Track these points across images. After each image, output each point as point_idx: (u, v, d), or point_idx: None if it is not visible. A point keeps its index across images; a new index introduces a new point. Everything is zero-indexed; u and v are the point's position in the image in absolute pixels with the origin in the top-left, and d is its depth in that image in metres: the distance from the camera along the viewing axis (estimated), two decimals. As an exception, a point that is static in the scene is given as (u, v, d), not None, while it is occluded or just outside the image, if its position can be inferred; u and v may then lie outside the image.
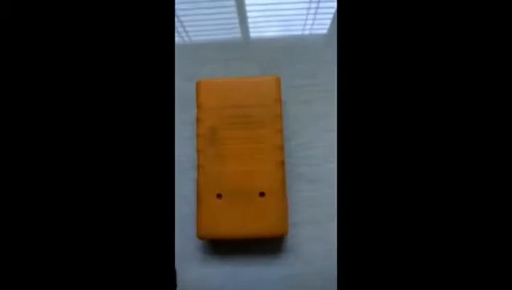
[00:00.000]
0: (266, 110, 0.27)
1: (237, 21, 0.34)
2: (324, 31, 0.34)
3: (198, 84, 0.28)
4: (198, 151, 0.27)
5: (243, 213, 0.26)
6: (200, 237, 0.26)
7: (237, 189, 0.26)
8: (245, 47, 0.33)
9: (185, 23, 0.35)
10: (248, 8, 0.35)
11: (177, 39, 0.34)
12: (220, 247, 0.29)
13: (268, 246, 0.29)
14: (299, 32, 0.34)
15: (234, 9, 0.35)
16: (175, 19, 0.34)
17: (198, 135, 0.27)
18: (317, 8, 0.34)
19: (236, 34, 0.34)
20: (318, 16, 0.34)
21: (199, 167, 0.27)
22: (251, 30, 0.34)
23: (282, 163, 0.27)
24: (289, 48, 0.33)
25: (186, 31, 0.34)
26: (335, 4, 0.34)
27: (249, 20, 0.34)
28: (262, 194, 0.26)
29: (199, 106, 0.28)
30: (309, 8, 0.34)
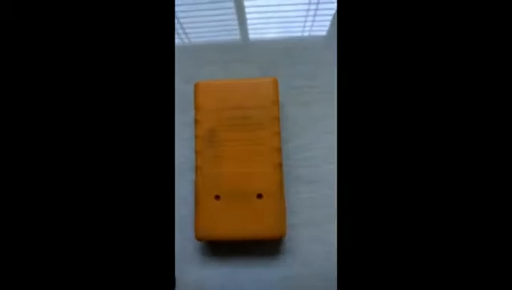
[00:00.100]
0: (263, 112, 0.27)
1: (236, 23, 0.34)
2: (324, 33, 0.34)
3: (196, 85, 0.28)
4: (196, 152, 0.27)
5: (241, 214, 0.26)
6: (199, 238, 0.27)
7: (235, 191, 0.26)
8: (245, 49, 0.33)
9: (185, 25, 0.35)
10: (247, 10, 0.35)
11: (177, 40, 0.34)
12: (219, 249, 0.29)
13: (266, 247, 0.29)
14: (299, 34, 0.34)
15: (233, 10, 0.35)
16: (176, 21, 0.35)
17: (196, 137, 0.27)
18: (316, 10, 0.34)
19: (235, 36, 0.34)
20: (317, 18, 0.34)
21: (197, 168, 0.27)
22: (250, 31, 0.34)
23: (280, 164, 0.27)
24: (288, 50, 0.33)
25: (185, 33, 0.35)
26: (334, 6, 0.34)
27: (249, 22, 0.34)
28: (259, 196, 0.26)
29: (197, 108, 0.28)
30: (308, 10, 0.34)
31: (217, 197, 0.26)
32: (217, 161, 0.27)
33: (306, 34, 0.34)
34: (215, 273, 0.28)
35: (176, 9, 0.35)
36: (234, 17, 0.35)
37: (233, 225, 0.26)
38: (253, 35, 0.34)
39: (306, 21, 0.34)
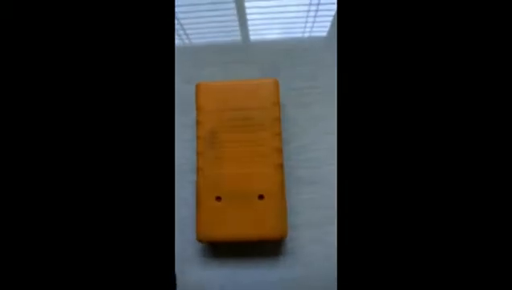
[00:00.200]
0: (264, 113, 0.27)
1: (237, 24, 0.34)
2: (324, 34, 0.34)
3: (197, 86, 0.28)
4: (197, 153, 0.27)
5: (242, 215, 0.26)
6: (200, 240, 0.26)
7: (237, 192, 0.26)
8: (246, 50, 0.34)
9: (185, 26, 0.35)
10: (248, 11, 0.35)
11: (178, 41, 0.34)
12: (220, 250, 0.29)
13: (268, 248, 0.29)
14: (299, 35, 0.34)
15: (234, 11, 0.35)
16: (176, 22, 0.35)
17: (198, 138, 0.27)
18: (317, 11, 0.34)
19: (236, 37, 0.34)
20: (318, 19, 0.34)
21: (198, 169, 0.27)
22: (251, 33, 0.34)
23: (281, 165, 0.27)
24: (289, 51, 0.33)
25: (186, 34, 0.35)
26: (334, 7, 0.34)
27: (249, 23, 0.34)
28: (261, 197, 0.26)
29: (198, 109, 0.28)
30: (309, 11, 0.34)
31: (218, 198, 0.26)
32: (218, 162, 0.27)
33: (306, 35, 0.34)
34: (216, 274, 0.28)
35: (177, 10, 0.35)
36: (235, 18, 0.35)
37: (234, 226, 0.26)
38: (253, 36, 0.34)
39: (307, 22, 0.34)
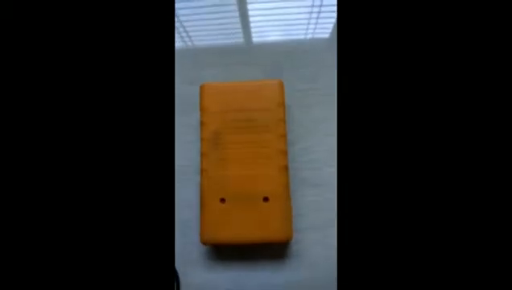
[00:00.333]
0: (269, 114, 0.27)
1: (239, 26, 0.34)
2: (326, 36, 0.34)
3: (202, 87, 0.28)
4: (202, 154, 0.27)
5: (247, 217, 0.26)
6: (204, 242, 0.26)
7: (241, 194, 0.26)
8: (248, 52, 0.34)
9: (188, 28, 0.35)
10: (250, 13, 0.35)
11: (181, 44, 0.34)
12: (224, 252, 0.28)
13: (272, 251, 0.28)
14: (302, 37, 0.34)
15: (237, 14, 0.35)
16: (179, 25, 0.35)
17: (202, 139, 0.27)
18: (319, 12, 0.34)
19: (239, 38, 0.34)
20: (320, 20, 0.34)
21: (202, 171, 0.27)
22: (254, 34, 0.34)
23: (286, 167, 0.27)
24: (291, 53, 0.33)
25: (189, 36, 0.35)
26: (336, 8, 0.34)
27: (252, 25, 0.34)
28: (265, 199, 0.26)
29: (202, 110, 0.28)
30: (311, 12, 0.34)
31: (223, 200, 0.26)
32: (223, 163, 0.27)
33: (309, 36, 0.34)
34: (220, 277, 0.28)
35: (179, 12, 0.35)
36: (237, 20, 0.35)
37: (238, 228, 0.26)
38: (256, 38, 0.34)
39: (309, 24, 0.34)
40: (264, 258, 0.28)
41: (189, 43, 0.34)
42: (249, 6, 0.35)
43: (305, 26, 0.34)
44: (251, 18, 0.35)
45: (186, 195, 0.29)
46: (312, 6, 0.35)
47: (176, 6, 0.35)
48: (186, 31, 0.35)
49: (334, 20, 0.34)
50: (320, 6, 0.35)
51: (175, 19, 0.35)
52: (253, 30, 0.34)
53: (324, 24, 0.34)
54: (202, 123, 0.27)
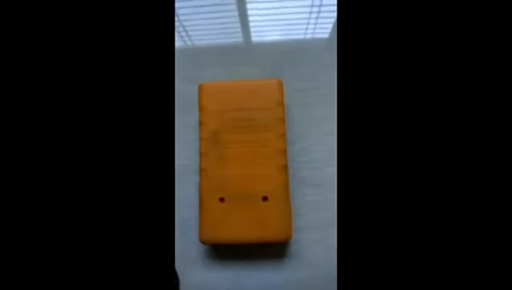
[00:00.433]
0: (268, 114, 0.27)
1: (239, 25, 0.34)
2: (326, 35, 0.34)
3: (201, 87, 0.28)
4: (201, 154, 0.27)
5: (246, 217, 0.26)
6: (203, 241, 0.26)
7: (240, 193, 0.26)
8: (248, 52, 0.34)
9: (188, 28, 0.35)
10: (250, 12, 0.35)
11: (180, 43, 0.34)
12: (224, 252, 0.28)
13: (272, 250, 0.28)
14: (301, 36, 0.34)
15: (236, 13, 0.35)
16: (179, 24, 0.35)
17: (201, 139, 0.27)
18: (319, 12, 0.34)
19: (238, 38, 0.34)
20: (320, 20, 0.34)
21: (201, 170, 0.27)
22: (253, 34, 0.34)
23: (285, 167, 0.27)
24: (291, 53, 0.33)
25: (189, 36, 0.35)
26: (336, 8, 0.34)
27: (251, 24, 0.34)
28: (265, 198, 0.26)
29: (201, 109, 0.28)
30: (311, 12, 0.34)
31: (222, 200, 0.26)
32: (222, 163, 0.27)
33: (308, 36, 0.34)
34: (219, 277, 0.28)
35: (179, 12, 0.35)
36: (237, 20, 0.35)
37: (238, 228, 0.26)
38: (256, 37, 0.34)
39: (308, 24, 0.34)
40: (263, 257, 0.28)
41: (189, 43, 0.34)
42: (249, 6, 0.35)
43: (305, 26, 0.34)
44: (250, 18, 0.35)
45: (185, 194, 0.29)
46: (312, 5, 0.35)
47: (176, 5, 0.35)
48: (185, 31, 0.35)
49: (334, 20, 0.34)
50: (320, 5, 0.35)
51: (175, 19, 0.35)
52: (252, 29, 0.34)
53: (324, 24, 0.34)
54: (201, 123, 0.27)
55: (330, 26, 0.34)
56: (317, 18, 0.34)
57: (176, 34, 0.34)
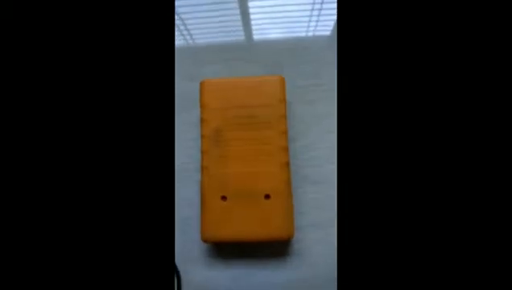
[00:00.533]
0: (270, 111, 0.27)
1: (240, 23, 0.34)
2: (328, 33, 0.34)
3: (202, 84, 0.28)
4: (202, 152, 0.27)
5: (248, 215, 0.26)
6: (205, 240, 0.26)
7: (242, 191, 0.26)
8: (249, 49, 0.33)
9: (189, 26, 0.35)
10: (251, 10, 0.35)
11: (181, 41, 0.34)
12: (225, 250, 0.28)
13: (274, 249, 0.28)
14: (303, 34, 0.34)
15: (237, 11, 0.35)
16: (180, 22, 0.34)
17: (202, 136, 0.27)
18: (320, 10, 0.34)
19: (240, 36, 0.34)
20: (321, 18, 0.34)
21: (203, 168, 0.27)
22: (255, 32, 0.34)
23: (288, 164, 0.27)
24: (292, 50, 0.33)
25: (190, 34, 0.34)
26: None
27: (253, 22, 0.34)
28: (267, 196, 0.26)
29: (203, 106, 0.27)
30: (312, 10, 0.34)
31: (224, 198, 0.26)
32: (223, 161, 0.26)
33: (310, 34, 0.34)
34: (221, 275, 0.28)
35: (181, 10, 0.35)
36: (238, 17, 0.35)
37: (239, 226, 0.26)
38: (257, 35, 0.34)
39: (310, 21, 0.34)
40: (265, 256, 0.28)
41: (190, 41, 0.34)
42: (250, 4, 0.35)
43: (306, 24, 0.34)
44: (252, 16, 0.35)
45: (187, 193, 0.29)
46: (314, 3, 0.34)
47: (177, 3, 0.35)
48: (187, 29, 0.35)
49: (335, 18, 0.34)
50: (322, 3, 0.34)
51: (176, 17, 0.35)
52: (253, 27, 0.34)
53: (325, 22, 0.34)
54: (202, 120, 0.27)
55: (331, 23, 0.34)
56: (319, 15, 0.34)
57: (178, 32, 0.34)
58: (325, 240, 0.28)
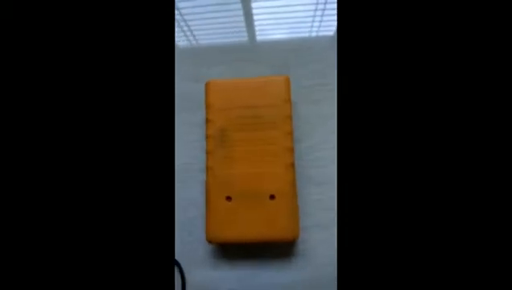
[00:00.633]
0: (275, 111, 0.27)
1: (244, 24, 0.34)
2: (331, 33, 0.34)
3: (207, 84, 0.28)
4: (207, 152, 0.27)
5: (253, 216, 0.26)
6: (210, 240, 0.26)
7: (247, 192, 0.26)
8: (254, 50, 0.33)
9: (193, 27, 0.35)
10: (255, 11, 0.35)
11: (185, 43, 0.34)
12: (230, 251, 0.28)
13: (279, 250, 0.28)
14: (306, 34, 0.34)
15: (241, 12, 0.35)
16: (184, 24, 0.35)
17: (207, 137, 0.27)
18: (324, 10, 0.34)
19: (244, 37, 0.34)
20: (325, 18, 0.34)
21: (208, 169, 0.27)
22: (259, 33, 0.34)
23: (293, 165, 0.27)
24: (296, 50, 0.33)
25: (194, 35, 0.35)
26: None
27: (257, 23, 0.34)
28: (272, 197, 0.26)
29: (208, 107, 0.27)
30: (316, 10, 0.34)
31: (229, 198, 0.26)
32: (228, 161, 0.26)
33: (313, 34, 0.34)
34: (226, 276, 0.28)
35: (184, 11, 0.35)
36: (242, 19, 0.35)
37: (244, 226, 0.25)
38: (261, 36, 0.34)
39: (313, 21, 0.34)
40: (270, 257, 0.28)
41: (194, 42, 0.34)
42: (254, 5, 0.35)
43: (310, 24, 0.34)
44: (255, 17, 0.35)
45: (191, 193, 0.29)
46: (317, 3, 0.34)
47: (181, 4, 0.35)
48: (191, 30, 0.35)
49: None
50: (325, 3, 0.34)
51: (181, 19, 0.35)
52: (257, 28, 0.34)
53: (329, 22, 0.34)
54: (208, 120, 0.27)
55: (335, 23, 0.34)
56: (322, 15, 0.34)
57: (181, 33, 0.34)
58: (330, 241, 0.28)
